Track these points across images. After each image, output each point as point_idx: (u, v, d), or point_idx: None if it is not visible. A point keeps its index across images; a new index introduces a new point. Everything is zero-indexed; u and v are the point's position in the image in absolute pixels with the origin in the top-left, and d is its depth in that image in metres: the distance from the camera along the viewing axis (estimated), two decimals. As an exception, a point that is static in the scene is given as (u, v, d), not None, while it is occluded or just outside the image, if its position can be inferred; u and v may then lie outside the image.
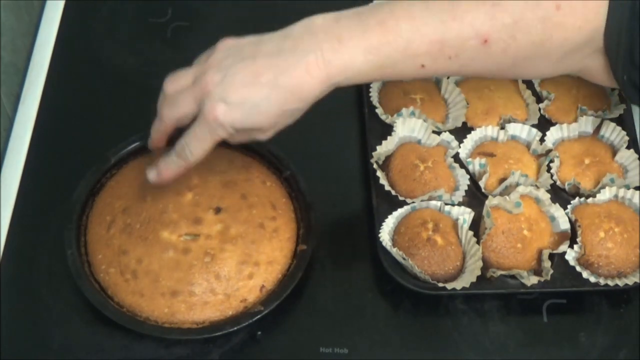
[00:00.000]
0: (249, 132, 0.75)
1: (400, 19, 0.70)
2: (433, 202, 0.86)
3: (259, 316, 0.79)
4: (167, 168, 0.79)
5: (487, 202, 0.85)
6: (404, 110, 0.92)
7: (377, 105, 0.93)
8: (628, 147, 0.90)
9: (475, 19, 0.69)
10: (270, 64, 0.71)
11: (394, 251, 0.82)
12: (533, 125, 0.92)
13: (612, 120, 0.93)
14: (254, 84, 0.71)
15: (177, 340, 0.80)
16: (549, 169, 0.89)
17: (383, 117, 0.93)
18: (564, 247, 0.83)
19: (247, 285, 0.81)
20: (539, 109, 0.94)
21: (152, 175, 0.80)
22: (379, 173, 0.88)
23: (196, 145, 0.75)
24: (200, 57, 0.77)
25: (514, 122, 0.92)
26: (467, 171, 0.89)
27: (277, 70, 0.71)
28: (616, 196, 0.87)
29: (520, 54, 0.71)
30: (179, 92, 0.76)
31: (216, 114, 0.71)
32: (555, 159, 0.89)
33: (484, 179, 0.88)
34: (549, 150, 0.90)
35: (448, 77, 0.95)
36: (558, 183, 0.89)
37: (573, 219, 0.85)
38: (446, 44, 0.70)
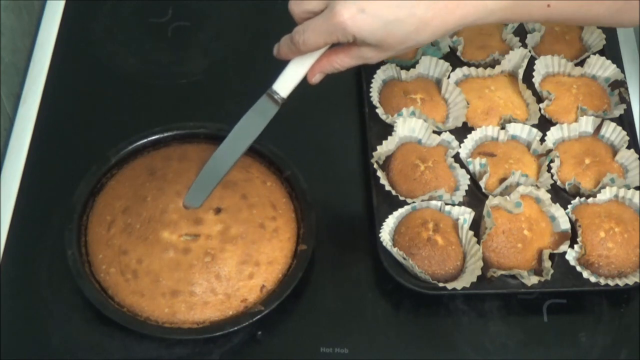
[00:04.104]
0: (364, 48, 0.74)
1: None
2: (433, 202, 0.86)
3: (259, 316, 0.79)
4: (282, 46, 0.78)
5: (487, 202, 0.85)
6: (404, 110, 0.92)
7: (378, 105, 0.93)
8: (628, 147, 0.90)
9: None
10: None
11: (395, 251, 0.82)
12: (533, 125, 0.92)
13: (612, 120, 0.93)
14: (390, 4, 0.71)
15: (177, 340, 0.80)
16: (549, 168, 0.89)
17: (383, 117, 0.93)
18: (564, 247, 0.83)
19: (247, 285, 0.81)
20: (540, 109, 0.94)
21: (274, 50, 0.79)
22: (379, 173, 0.88)
23: (310, 37, 0.74)
24: None
25: (515, 122, 0.92)
26: (468, 171, 0.89)
27: None
28: (616, 196, 0.87)
29: None
30: None
31: (345, 17, 0.71)
32: (556, 159, 0.89)
33: (484, 178, 0.88)
34: (550, 150, 0.90)
35: (448, 77, 0.95)
36: (558, 183, 0.89)
37: (573, 218, 0.85)
38: None
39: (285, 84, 0.79)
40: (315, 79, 0.79)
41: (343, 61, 0.77)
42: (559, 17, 0.76)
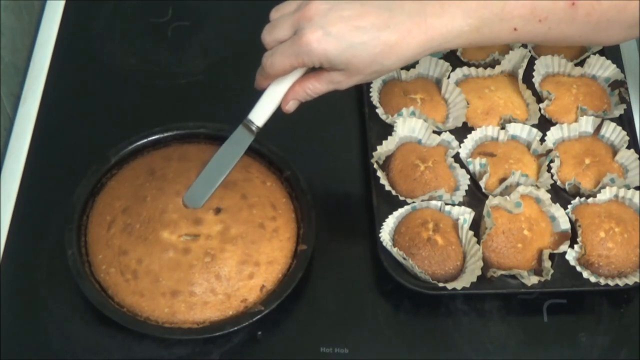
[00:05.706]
0: (333, 73, 0.76)
1: None
2: (433, 202, 0.86)
3: (259, 316, 0.79)
4: (256, 75, 0.80)
5: (487, 202, 0.85)
6: (404, 110, 0.92)
7: (378, 105, 0.93)
8: (628, 147, 0.90)
9: None
10: (377, 13, 0.73)
11: (395, 251, 0.82)
12: (533, 125, 0.92)
13: (612, 120, 0.93)
14: (357, 27, 0.72)
15: (177, 340, 0.80)
16: (549, 168, 0.89)
17: (383, 117, 0.93)
18: (564, 247, 0.83)
19: (247, 285, 0.81)
20: (540, 109, 0.94)
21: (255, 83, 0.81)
22: (379, 173, 0.88)
23: (277, 59, 0.75)
24: None
25: (515, 122, 0.92)
26: (468, 171, 0.89)
27: (382, 23, 0.72)
28: (616, 196, 0.87)
29: (603, 18, 0.74)
30: (280, 17, 0.76)
31: (311, 39, 0.72)
32: (556, 159, 0.89)
33: (484, 178, 0.88)
34: (550, 150, 0.90)
35: (448, 77, 0.95)
36: (558, 183, 0.89)
37: (573, 218, 0.85)
38: (538, 6, 0.73)
39: (260, 114, 0.80)
40: (289, 106, 0.80)
41: (314, 86, 0.78)
42: (529, 40, 0.77)
